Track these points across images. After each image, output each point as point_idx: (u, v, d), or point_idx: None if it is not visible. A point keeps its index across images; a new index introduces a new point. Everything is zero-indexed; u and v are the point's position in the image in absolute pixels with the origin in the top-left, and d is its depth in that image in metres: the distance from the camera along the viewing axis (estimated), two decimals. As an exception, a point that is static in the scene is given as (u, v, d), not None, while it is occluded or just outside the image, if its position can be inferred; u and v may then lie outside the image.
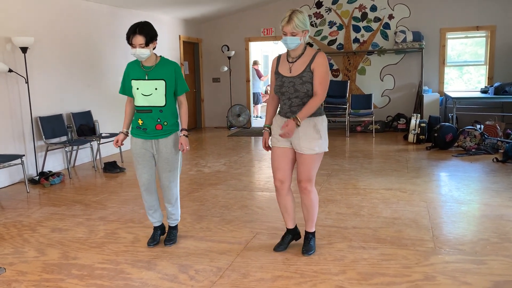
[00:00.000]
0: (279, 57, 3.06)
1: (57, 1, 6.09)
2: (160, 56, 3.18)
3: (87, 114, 6.57)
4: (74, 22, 6.41)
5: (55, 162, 6.07)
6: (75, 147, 6.32)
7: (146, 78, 3.08)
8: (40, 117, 5.73)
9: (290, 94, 2.92)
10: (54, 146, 5.87)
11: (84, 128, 6.33)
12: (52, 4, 6.00)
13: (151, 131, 3.13)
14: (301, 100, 2.91)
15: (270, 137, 3.12)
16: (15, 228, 3.84)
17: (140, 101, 3.11)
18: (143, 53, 3.00)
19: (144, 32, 2.98)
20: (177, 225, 3.44)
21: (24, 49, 5.32)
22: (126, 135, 3.26)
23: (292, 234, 3.23)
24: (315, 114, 2.93)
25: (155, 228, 3.43)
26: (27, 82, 5.47)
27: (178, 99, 3.23)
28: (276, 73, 2.99)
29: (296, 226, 3.24)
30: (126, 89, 3.21)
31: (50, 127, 5.84)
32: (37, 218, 4.11)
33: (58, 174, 5.49)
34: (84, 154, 6.61)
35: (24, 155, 5.16)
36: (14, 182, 5.46)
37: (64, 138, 6.04)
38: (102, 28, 6.94)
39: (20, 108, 5.55)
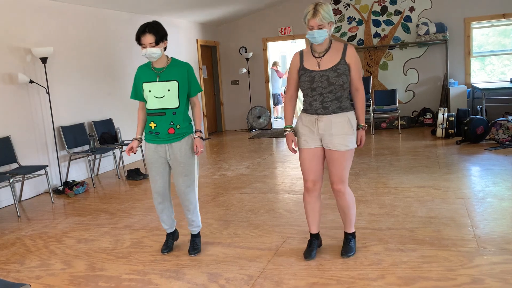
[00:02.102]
0: (301, 53, 2.89)
1: (75, 10, 6.09)
2: (172, 57, 3.09)
3: (109, 122, 6.54)
4: (93, 30, 6.40)
5: (78, 172, 6.06)
6: (97, 156, 6.30)
7: (158, 80, 2.99)
8: (62, 127, 5.72)
9: (322, 89, 2.77)
10: (77, 155, 5.85)
11: (106, 136, 6.31)
12: (70, 14, 6.00)
13: (163, 135, 3.02)
14: (334, 95, 2.77)
15: (296, 138, 2.96)
16: (41, 239, 3.80)
17: (152, 104, 3.00)
18: (154, 52, 2.91)
19: (154, 30, 2.90)
20: (199, 232, 3.32)
21: (44, 60, 5.31)
22: (140, 141, 3.17)
23: (317, 238, 3.08)
24: (348, 108, 2.83)
25: (168, 235, 3.35)
26: (48, 93, 5.46)
27: (191, 100, 3.13)
28: (303, 69, 2.82)
29: (319, 232, 3.10)
30: (138, 94, 3.11)
31: (72, 137, 5.83)
32: (62, 229, 4.06)
33: (82, 183, 5.46)
34: (107, 162, 6.58)
35: (47, 166, 5.14)
36: (39, 193, 5.46)
37: (86, 147, 6.02)
38: (121, 35, 6.92)
39: (42, 119, 5.54)
